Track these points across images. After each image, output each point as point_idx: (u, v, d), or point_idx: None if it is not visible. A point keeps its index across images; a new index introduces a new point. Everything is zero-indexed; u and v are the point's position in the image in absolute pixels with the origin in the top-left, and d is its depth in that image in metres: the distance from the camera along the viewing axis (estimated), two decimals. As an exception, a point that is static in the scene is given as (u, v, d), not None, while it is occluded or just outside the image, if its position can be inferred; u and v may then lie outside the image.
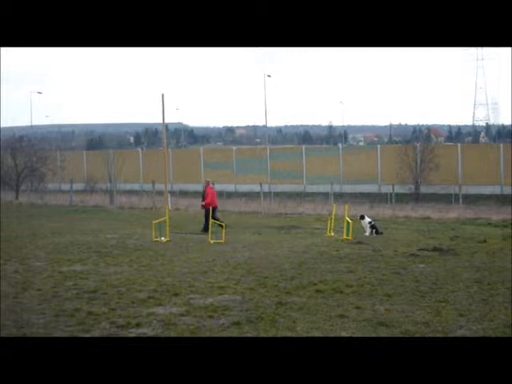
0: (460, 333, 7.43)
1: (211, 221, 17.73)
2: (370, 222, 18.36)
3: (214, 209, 19.69)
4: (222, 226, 17.45)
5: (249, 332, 7.43)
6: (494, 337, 7.22)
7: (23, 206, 31.59)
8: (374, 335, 7.30)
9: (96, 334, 7.41)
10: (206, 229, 18.72)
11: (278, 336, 7.25)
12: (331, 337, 7.21)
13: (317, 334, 7.35)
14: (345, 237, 16.96)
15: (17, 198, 36.25)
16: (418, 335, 7.28)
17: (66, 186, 38.53)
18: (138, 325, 7.77)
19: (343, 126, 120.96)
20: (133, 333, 7.45)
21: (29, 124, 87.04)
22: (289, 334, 7.31)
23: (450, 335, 7.32)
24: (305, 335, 7.30)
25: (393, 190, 27.52)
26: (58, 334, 7.40)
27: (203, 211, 20.10)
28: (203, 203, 19.98)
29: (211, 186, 20.49)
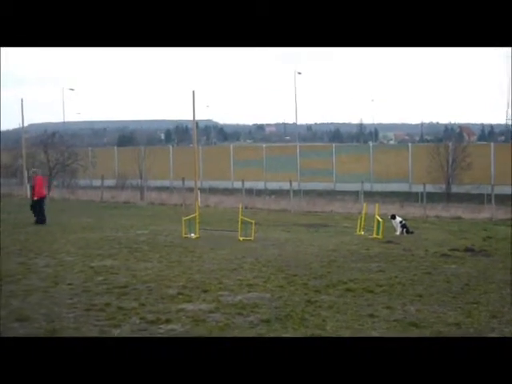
0: (493, 335, 7.29)
1: (241, 217, 17.72)
2: (400, 222, 18.21)
3: (42, 199, 19.94)
4: (43, 221, 19.07)
5: (278, 330, 7.40)
6: (494, 337, 7.10)
7: (55, 201, 31.95)
8: (404, 335, 7.21)
9: (126, 329, 7.44)
10: (39, 221, 19.32)
11: (287, 336, 7.21)
12: (339, 337, 7.13)
13: (347, 333, 7.29)
14: (375, 236, 16.83)
15: (48, 193, 36.68)
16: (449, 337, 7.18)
17: (97, 182, 38.94)
18: (167, 321, 7.79)
19: (374, 124, 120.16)
20: (162, 329, 7.47)
21: (61, 120, 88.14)
22: (318, 333, 7.27)
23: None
24: (334, 335, 7.24)
25: (424, 189, 27.24)
26: (88, 328, 7.46)
27: (233, 208, 20.19)
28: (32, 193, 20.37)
29: (39, 175, 20.70)
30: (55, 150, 40.25)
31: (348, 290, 9.70)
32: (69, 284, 10.11)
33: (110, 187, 36.70)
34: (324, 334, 7.22)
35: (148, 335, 7.20)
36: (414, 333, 7.33)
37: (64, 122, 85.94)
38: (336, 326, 7.57)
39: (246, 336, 7.12)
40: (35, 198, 19.81)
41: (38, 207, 19.79)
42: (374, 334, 7.28)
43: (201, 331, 7.33)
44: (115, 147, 57.92)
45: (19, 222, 19.68)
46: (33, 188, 20.29)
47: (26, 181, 35.47)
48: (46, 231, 17.58)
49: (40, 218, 19.58)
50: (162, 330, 7.41)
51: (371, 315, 8.11)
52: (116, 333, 7.28)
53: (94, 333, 7.26)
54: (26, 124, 38.66)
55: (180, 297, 9.18)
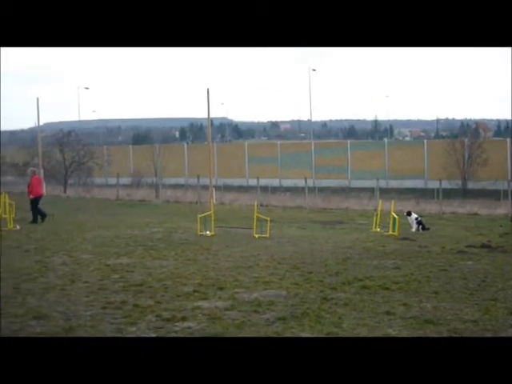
0: (511, 332, 7.23)
1: (256, 214, 17.73)
2: (416, 218, 18.13)
3: (39, 198, 19.87)
4: (43, 219, 19.13)
5: (294, 327, 7.39)
6: (493, 337, 7.04)
7: (71, 199, 32.16)
8: (420, 333, 7.18)
9: (142, 327, 7.46)
10: (36, 219, 19.24)
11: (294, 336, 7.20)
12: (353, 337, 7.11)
13: (363, 330, 7.25)
14: (391, 232, 16.77)
15: (65, 191, 36.93)
16: (466, 334, 7.13)
17: (112, 181, 39.11)
18: (183, 318, 7.79)
19: (389, 121, 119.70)
20: (178, 326, 7.48)
21: (76, 119, 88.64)
22: (335, 330, 7.24)
23: (501, 335, 7.13)
24: (350, 332, 7.22)
25: (440, 185, 27.07)
26: (104, 326, 7.48)
27: (248, 206, 20.19)
28: (28, 191, 20.26)
29: (37, 175, 20.71)
30: (71, 148, 40.51)
31: (364, 287, 9.66)
32: (85, 282, 10.16)
33: (125, 185, 36.83)
34: (340, 332, 7.19)
35: (163, 334, 7.22)
36: (431, 330, 7.28)
37: (79, 121, 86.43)
38: (352, 324, 7.54)
39: (262, 336, 7.12)
40: (32, 197, 19.69)
41: (36, 205, 19.72)
42: (391, 331, 7.24)
43: (217, 329, 7.33)
44: (130, 145, 58.20)
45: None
46: (30, 187, 20.11)
47: (43, 179, 35.74)
48: (62, 229, 17.68)
49: (41, 215, 19.57)
50: (178, 328, 7.41)
51: (387, 312, 8.07)
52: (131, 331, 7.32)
53: (110, 331, 7.29)
54: (41, 123, 38.87)
55: (196, 294, 9.19)
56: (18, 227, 17.84)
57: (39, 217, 19.52)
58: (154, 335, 7.12)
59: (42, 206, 20.03)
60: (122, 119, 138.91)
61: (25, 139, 52.60)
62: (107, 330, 7.30)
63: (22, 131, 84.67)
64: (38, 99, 36.50)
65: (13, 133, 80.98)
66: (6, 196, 18.32)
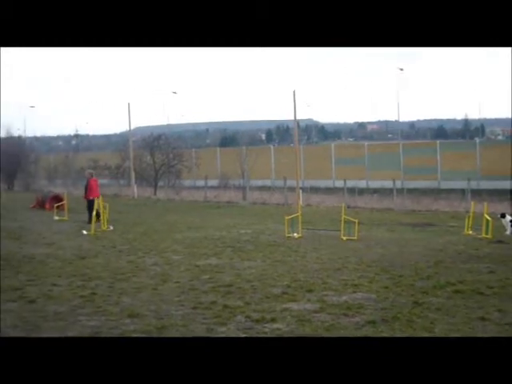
0: None
1: (344, 216, 17.58)
2: (511, 220, 17.47)
3: (94, 199, 19.67)
4: (98, 217, 18.41)
5: (384, 332, 7.28)
6: (493, 337, 6.74)
7: (161, 201, 32.89)
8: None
9: (232, 327, 7.55)
10: (89, 220, 18.91)
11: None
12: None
13: (456, 336, 7.06)
14: (484, 235, 16.24)
15: (155, 193, 37.85)
16: None
17: (200, 183, 39.71)
18: (272, 320, 7.83)
19: (479, 120, 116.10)
20: (267, 328, 7.52)
21: (165, 123, 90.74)
22: (426, 335, 7.09)
23: None
24: (442, 336, 7.04)
25: (535, 186, 25.99)
26: (195, 326, 7.61)
27: (335, 207, 20.04)
28: (85, 195, 20.45)
29: (94, 178, 20.75)
30: (161, 151, 41.47)
31: (457, 291, 9.40)
32: (176, 282, 10.38)
33: (213, 187, 37.33)
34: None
35: (253, 336, 7.26)
36: (529, 337, 7.00)
37: (168, 125, 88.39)
38: (445, 329, 7.35)
39: (353, 336, 7.06)
40: (90, 198, 20.12)
41: (92, 207, 19.71)
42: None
43: (306, 331, 7.33)
44: (217, 148, 58.89)
45: (129, 222, 20.44)
46: (88, 189, 20.51)
47: (134, 181, 36.78)
48: (153, 231, 18.13)
49: (97, 215, 19.21)
50: (268, 329, 7.45)
51: (482, 318, 7.83)
52: (221, 330, 7.40)
53: (201, 330, 7.41)
54: (132, 127, 40.01)
55: (284, 296, 9.21)
56: (111, 228, 18.43)
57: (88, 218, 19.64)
58: (243, 336, 7.18)
59: (133, 207, 20.59)
60: (209, 122, 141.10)
61: (117, 143, 54.22)
62: (198, 330, 7.43)
63: (115, 135, 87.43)
64: (128, 104, 37.63)
65: (107, 136, 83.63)
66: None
